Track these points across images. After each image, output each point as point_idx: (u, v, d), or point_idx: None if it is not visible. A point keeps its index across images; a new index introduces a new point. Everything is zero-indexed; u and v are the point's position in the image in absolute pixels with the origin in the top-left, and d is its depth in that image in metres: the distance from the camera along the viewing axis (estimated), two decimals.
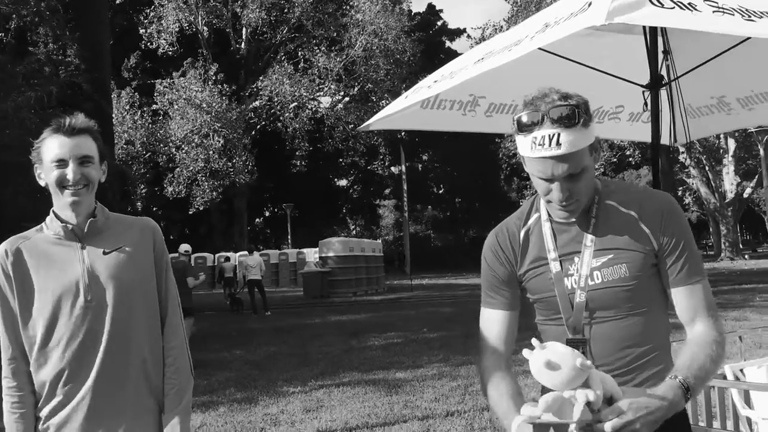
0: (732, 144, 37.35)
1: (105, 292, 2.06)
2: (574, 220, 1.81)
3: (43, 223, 2.14)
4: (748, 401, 3.61)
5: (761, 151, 25.12)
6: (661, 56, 3.62)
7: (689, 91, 4.01)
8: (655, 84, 3.47)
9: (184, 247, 11.55)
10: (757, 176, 37.41)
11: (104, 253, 2.10)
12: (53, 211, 2.11)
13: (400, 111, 3.83)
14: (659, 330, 1.82)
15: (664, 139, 4.09)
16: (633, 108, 4.30)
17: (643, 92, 3.53)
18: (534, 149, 1.67)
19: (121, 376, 2.07)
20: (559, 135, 1.64)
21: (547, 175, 1.69)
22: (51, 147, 2.03)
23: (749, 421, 3.63)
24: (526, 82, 3.86)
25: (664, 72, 3.61)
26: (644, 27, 3.38)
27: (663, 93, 3.84)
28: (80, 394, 2.03)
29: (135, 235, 2.17)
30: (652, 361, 1.79)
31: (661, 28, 3.50)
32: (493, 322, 1.94)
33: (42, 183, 2.10)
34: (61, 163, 2.02)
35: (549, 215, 1.86)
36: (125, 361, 2.08)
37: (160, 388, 2.17)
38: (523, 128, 1.69)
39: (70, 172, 2.01)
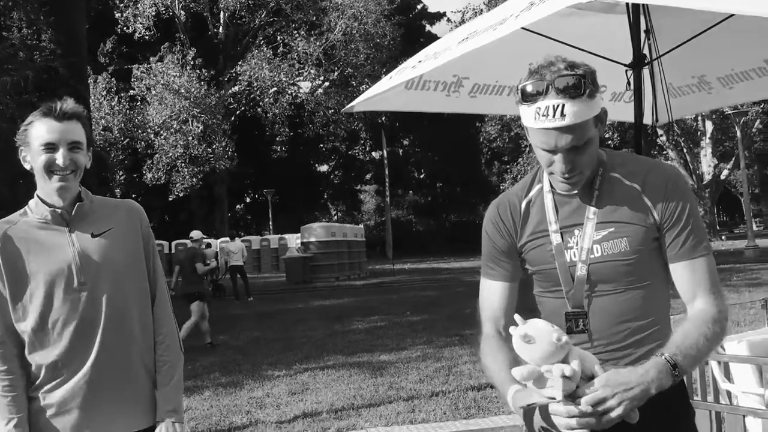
0: (710, 126, 37.70)
1: (98, 273, 2.05)
2: (576, 192, 1.78)
3: (26, 207, 2.11)
4: (728, 375, 3.68)
5: (738, 133, 25.37)
6: (643, 36, 3.65)
7: (670, 71, 4.04)
8: (638, 63, 3.49)
9: (196, 233, 11.38)
10: (734, 158, 37.83)
11: (93, 236, 2.09)
12: (38, 195, 2.09)
13: (385, 92, 3.84)
14: (659, 305, 1.80)
15: (647, 119, 4.13)
16: (615, 88, 4.33)
17: (626, 71, 3.55)
18: (538, 120, 1.64)
19: (119, 357, 2.07)
20: (563, 106, 1.61)
21: (550, 146, 1.66)
22: (40, 131, 2.01)
23: (729, 394, 3.70)
24: (510, 62, 3.90)
25: (646, 51, 3.64)
26: (627, 5, 3.40)
27: (645, 73, 3.87)
28: (79, 377, 2.03)
29: (121, 217, 2.17)
30: (650, 336, 1.76)
31: (643, 6, 3.52)
32: (492, 292, 1.93)
33: (27, 167, 2.07)
34: (51, 147, 1.99)
35: (551, 186, 1.84)
36: (122, 342, 2.08)
37: (153, 367, 2.18)
38: (527, 98, 1.66)
39: (60, 157, 1.99)
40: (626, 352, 1.76)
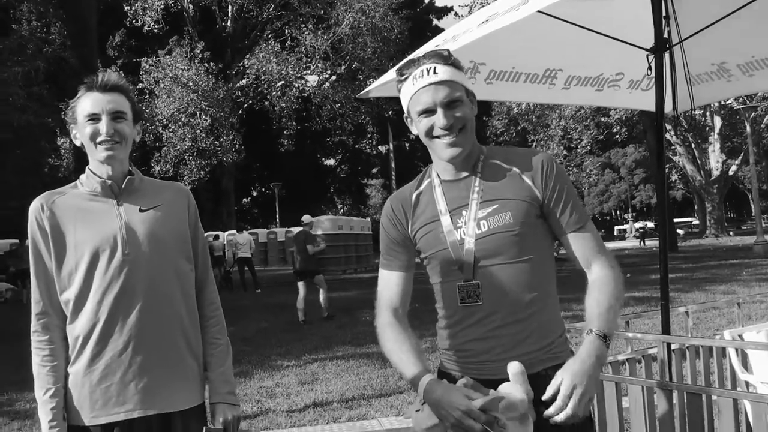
0: (718, 121, 37.50)
1: (142, 247, 2.06)
2: (463, 175, 1.94)
3: (77, 180, 2.15)
4: (746, 366, 3.65)
5: (747, 129, 25.23)
6: (663, 22, 3.60)
7: (690, 58, 3.99)
8: (660, 47, 3.44)
9: (306, 217, 12.29)
10: (742, 154, 37.65)
11: (141, 210, 2.11)
12: (89, 168, 2.12)
13: None
14: (546, 279, 1.93)
15: (666, 108, 4.08)
16: (633, 75, 4.28)
17: (647, 56, 3.51)
18: (415, 83, 1.85)
19: (159, 332, 2.06)
20: (435, 67, 1.84)
21: (428, 104, 1.84)
22: (84, 104, 2.06)
23: (747, 385, 3.67)
24: (527, 48, 3.88)
25: (666, 37, 3.58)
26: None
27: (665, 59, 3.82)
28: (118, 349, 2.02)
29: (169, 196, 2.20)
30: (541, 311, 1.89)
31: None
32: (388, 281, 2.06)
33: (77, 143, 2.12)
34: (94, 117, 2.04)
35: (439, 177, 1.99)
36: (163, 318, 2.07)
37: (199, 348, 2.17)
38: (403, 74, 1.89)
39: (103, 126, 2.03)
40: (520, 327, 1.87)
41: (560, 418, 1.65)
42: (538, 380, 1.78)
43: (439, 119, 1.84)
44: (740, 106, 27.34)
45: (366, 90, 3.97)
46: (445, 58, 1.87)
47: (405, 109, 1.95)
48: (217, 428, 2.07)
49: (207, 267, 2.27)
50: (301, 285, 11.74)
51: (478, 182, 1.92)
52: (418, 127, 1.91)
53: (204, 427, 1.94)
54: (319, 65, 34.54)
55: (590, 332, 1.77)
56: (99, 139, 2.04)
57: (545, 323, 1.90)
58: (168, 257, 2.10)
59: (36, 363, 2.05)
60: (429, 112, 1.86)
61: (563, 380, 1.67)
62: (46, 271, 2.06)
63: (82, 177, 2.14)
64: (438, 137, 1.87)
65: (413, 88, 1.86)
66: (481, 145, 1.98)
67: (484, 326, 1.89)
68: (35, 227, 2.05)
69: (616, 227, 73.52)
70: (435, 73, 1.83)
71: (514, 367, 1.73)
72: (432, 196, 1.98)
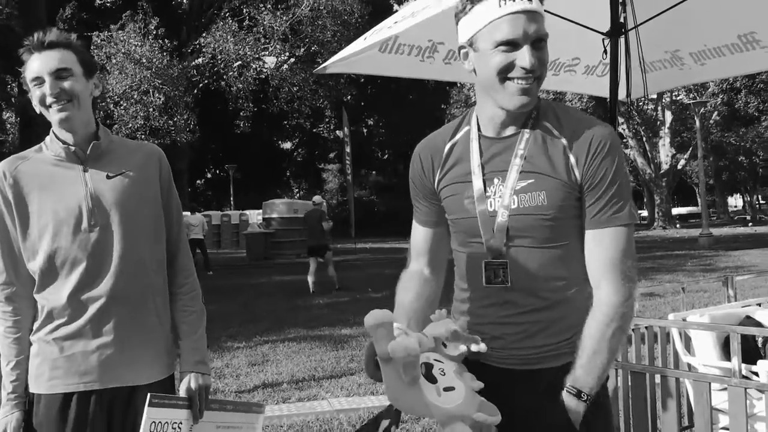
0: (669, 116, 38.36)
1: (109, 216, 1.98)
2: (508, 133, 1.68)
3: (42, 143, 2.04)
4: (688, 349, 3.73)
5: (697, 124, 25.88)
6: (619, 7, 3.63)
7: (644, 44, 4.04)
8: (615, 31, 3.47)
9: (317, 198, 13.74)
10: (691, 149, 38.60)
11: (108, 177, 2.01)
12: (52, 131, 2.02)
13: (359, 53, 3.74)
14: (581, 267, 1.68)
15: (620, 95, 4.12)
16: (589, 61, 4.32)
17: (603, 40, 3.53)
18: (504, 5, 1.53)
19: (127, 304, 1.99)
20: None
21: (517, 35, 1.54)
22: (29, 67, 1.96)
23: (690, 367, 3.75)
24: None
25: (622, 21, 3.62)
26: None
27: (620, 45, 3.86)
28: (85, 320, 1.95)
29: (140, 160, 2.09)
30: (568, 302, 1.68)
31: None
32: (417, 232, 1.89)
33: (37, 110, 2.00)
34: (38, 80, 1.94)
35: (479, 130, 1.73)
36: (131, 289, 1.99)
37: (169, 321, 2.11)
38: None
39: (47, 87, 1.92)
40: (543, 315, 1.68)
41: None
42: (533, 376, 1.68)
43: (524, 57, 1.54)
44: (690, 102, 27.99)
45: (323, 65, 3.92)
46: None
47: (469, 36, 1.62)
48: (170, 395, 2.01)
49: (180, 233, 2.19)
50: (312, 260, 13.10)
51: (524, 145, 1.65)
52: (488, 60, 1.58)
53: (149, 394, 1.87)
54: (278, 47, 34.05)
55: (577, 393, 1.57)
56: (47, 102, 1.94)
57: (569, 316, 1.67)
58: (137, 227, 2.02)
59: (2, 329, 1.99)
60: (512, 45, 1.55)
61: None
62: (9, 240, 1.99)
63: (47, 139, 2.04)
64: (512, 79, 1.58)
65: (498, 11, 1.53)
66: (539, 98, 1.70)
67: (505, 310, 1.70)
68: None
69: None
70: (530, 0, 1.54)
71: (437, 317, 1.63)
72: (467, 150, 1.72)
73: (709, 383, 2.92)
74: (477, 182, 1.68)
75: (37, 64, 1.94)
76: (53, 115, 1.95)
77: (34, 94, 1.95)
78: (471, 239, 1.73)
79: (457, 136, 1.77)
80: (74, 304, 1.95)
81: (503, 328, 1.71)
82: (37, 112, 2.01)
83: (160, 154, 2.17)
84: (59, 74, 1.93)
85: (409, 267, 1.88)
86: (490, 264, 1.69)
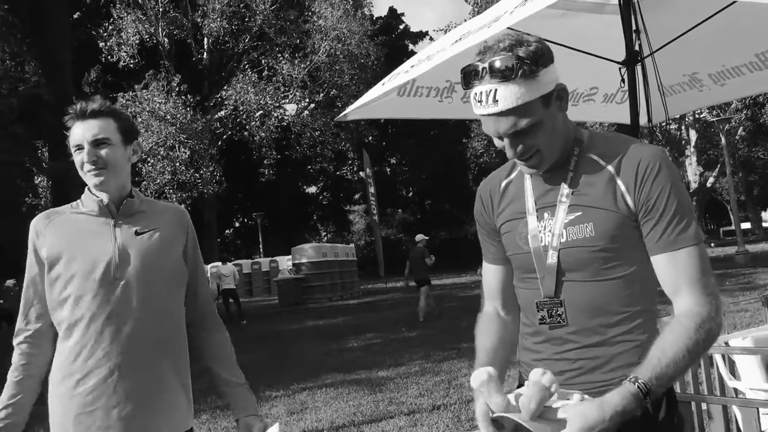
0: (693, 134, 38.03)
1: (134, 271, 2.05)
2: (555, 171, 1.68)
3: (78, 200, 2.15)
4: (733, 373, 3.65)
5: (722, 140, 25.59)
6: (633, 35, 3.66)
7: (662, 70, 4.05)
8: (631, 59, 3.49)
9: (420, 236, 14.99)
10: (719, 166, 38.15)
11: (136, 233, 2.10)
12: (88, 188, 2.12)
13: (378, 99, 3.81)
14: (640, 299, 1.63)
15: (641, 119, 4.12)
16: (607, 89, 4.34)
17: (620, 69, 3.55)
18: (476, 107, 1.58)
19: (147, 359, 2.04)
20: (495, 91, 1.52)
21: (492, 133, 1.60)
22: (72, 134, 2.07)
23: (736, 392, 3.66)
24: None
25: (638, 49, 3.63)
26: (619, 3, 3.40)
27: (638, 72, 3.87)
28: (103, 375, 1.99)
29: (167, 219, 2.18)
30: (630, 334, 1.62)
31: (634, 5, 3.52)
32: (488, 272, 1.90)
33: (79, 172, 2.12)
34: (79, 147, 2.05)
35: None
36: (151, 344, 2.05)
37: (187, 376, 2.17)
38: (466, 83, 1.59)
39: (85, 155, 2.03)
40: (602, 351, 1.63)
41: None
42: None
43: (507, 150, 1.62)
44: (714, 119, 27.72)
45: (344, 113, 3.99)
46: (506, 74, 1.52)
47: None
48: None
49: (206, 290, 2.29)
50: (421, 290, 14.39)
51: (569, 182, 1.65)
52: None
53: None
54: (297, 94, 34.67)
55: (634, 381, 1.44)
56: (84, 169, 2.05)
57: (632, 350, 1.61)
58: (160, 283, 2.09)
59: (12, 369, 2.07)
60: (498, 137, 1.62)
61: (570, 423, 1.41)
62: (37, 288, 2.08)
63: (83, 196, 2.14)
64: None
65: (475, 110, 1.59)
66: (582, 130, 1.70)
67: (560, 346, 1.67)
68: (32, 245, 2.08)
69: None
70: (495, 101, 1.53)
71: (535, 376, 1.45)
72: (522, 188, 1.74)
73: (757, 408, 2.85)
74: (531, 219, 1.70)
75: (78, 132, 2.05)
76: (89, 179, 2.07)
77: (75, 159, 2.06)
78: (526, 275, 1.73)
79: (512, 175, 1.80)
80: (94, 358, 2.00)
81: (559, 364, 1.67)
82: (79, 173, 2.13)
83: (186, 214, 2.27)
84: (97, 143, 2.04)
85: (484, 309, 1.90)
86: (541, 303, 1.69)
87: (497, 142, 1.63)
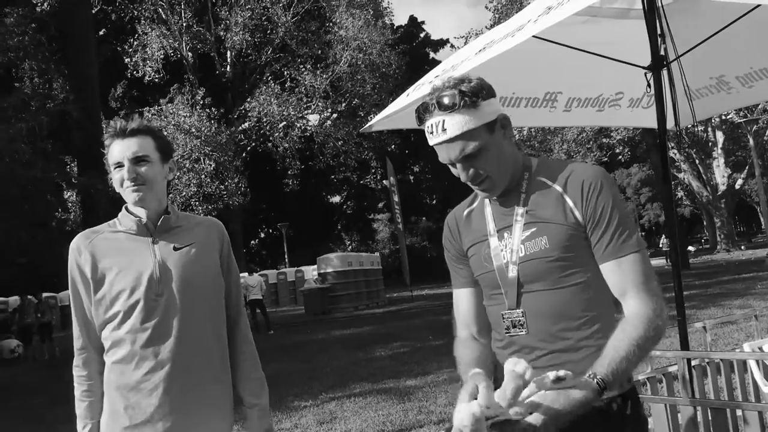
0: (720, 136, 37.54)
1: (175, 286, 2.11)
2: (509, 194, 1.85)
3: (115, 219, 2.21)
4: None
5: (750, 142, 25.22)
6: (658, 39, 3.63)
7: (688, 73, 4.02)
8: (657, 64, 3.47)
9: None
10: (747, 167, 37.60)
11: (175, 249, 2.15)
12: (125, 207, 2.19)
13: (402, 110, 3.82)
14: (597, 304, 1.77)
15: (668, 123, 4.09)
16: (633, 94, 4.32)
17: (646, 74, 3.53)
18: (429, 138, 1.77)
19: (190, 372, 2.10)
20: (443, 121, 1.71)
21: (445, 160, 1.77)
22: (111, 152, 2.12)
23: None
24: (526, 72, 3.91)
25: (663, 54, 3.61)
26: (644, 8, 3.38)
27: (663, 76, 3.85)
28: (149, 389, 2.06)
29: (203, 232, 2.24)
30: (594, 338, 1.74)
31: (658, 9, 3.50)
32: (460, 299, 2.02)
33: (117, 189, 2.18)
34: (119, 165, 2.10)
35: None
36: (194, 357, 2.11)
37: (230, 387, 2.22)
38: (419, 120, 1.79)
39: (125, 172, 2.09)
40: (568, 356, 1.75)
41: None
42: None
43: (461, 174, 1.79)
44: (741, 120, 27.38)
45: (368, 125, 4.01)
46: (451, 106, 1.70)
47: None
48: None
49: (239, 302, 2.33)
50: None
51: (522, 202, 1.83)
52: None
53: None
54: (320, 104, 34.90)
55: (593, 377, 1.56)
56: (124, 186, 2.10)
57: (595, 353, 1.69)
58: (200, 296, 2.15)
59: (77, 397, 2.15)
60: (451, 164, 1.80)
61: (540, 409, 1.49)
62: (83, 309, 2.14)
63: (120, 215, 2.20)
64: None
65: (429, 141, 1.79)
66: (531, 158, 1.89)
67: (527, 355, 1.77)
68: (74, 266, 2.13)
69: None
70: (443, 130, 1.72)
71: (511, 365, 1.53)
72: (482, 214, 1.92)
73: None
74: (493, 240, 1.86)
75: (118, 150, 2.10)
76: (128, 195, 2.12)
77: (115, 177, 2.11)
78: (492, 291, 1.88)
79: (475, 204, 1.98)
80: (139, 373, 2.06)
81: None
82: (117, 191, 2.18)
83: (221, 227, 2.32)
84: (137, 160, 2.09)
85: (459, 335, 2.00)
86: (506, 314, 1.83)
87: (452, 170, 1.80)
